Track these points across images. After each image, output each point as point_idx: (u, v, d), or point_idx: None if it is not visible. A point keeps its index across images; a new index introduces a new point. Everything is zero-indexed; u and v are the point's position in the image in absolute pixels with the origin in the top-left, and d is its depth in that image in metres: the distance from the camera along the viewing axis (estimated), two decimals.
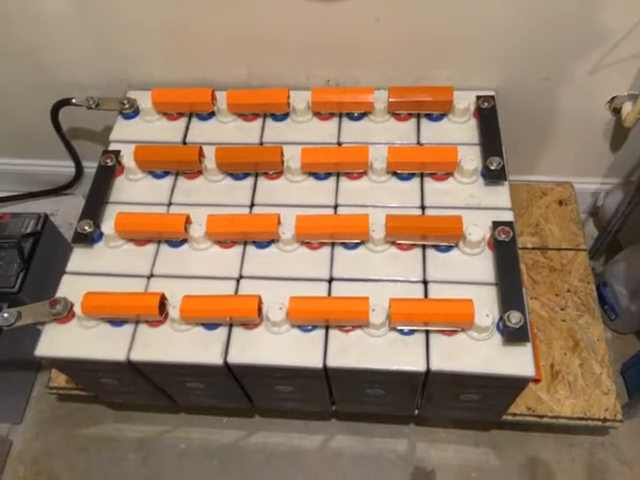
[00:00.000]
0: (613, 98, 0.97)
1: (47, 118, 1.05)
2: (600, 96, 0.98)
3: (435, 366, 0.72)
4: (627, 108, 0.95)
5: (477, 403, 0.83)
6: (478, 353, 0.72)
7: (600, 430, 1.01)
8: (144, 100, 0.95)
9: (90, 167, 1.22)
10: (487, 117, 0.90)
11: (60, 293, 0.80)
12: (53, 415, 1.11)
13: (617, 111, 0.99)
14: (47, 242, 1.10)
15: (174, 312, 0.75)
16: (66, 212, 1.32)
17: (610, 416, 0.92)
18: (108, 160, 0.89)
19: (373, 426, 1.06)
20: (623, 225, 1.09)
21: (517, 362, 0.71)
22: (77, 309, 0.77)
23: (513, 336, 0.71)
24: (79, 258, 0.84)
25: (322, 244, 0.82)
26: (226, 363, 0.75)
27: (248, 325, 0.76)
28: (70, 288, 0.80)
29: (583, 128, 1.05)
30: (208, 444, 1.07)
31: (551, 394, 0.94)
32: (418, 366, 0.72)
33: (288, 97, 0.92)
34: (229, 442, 1.07)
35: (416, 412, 0.94)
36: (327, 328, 0.76)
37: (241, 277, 0.80)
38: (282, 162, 0.87)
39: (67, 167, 1.24)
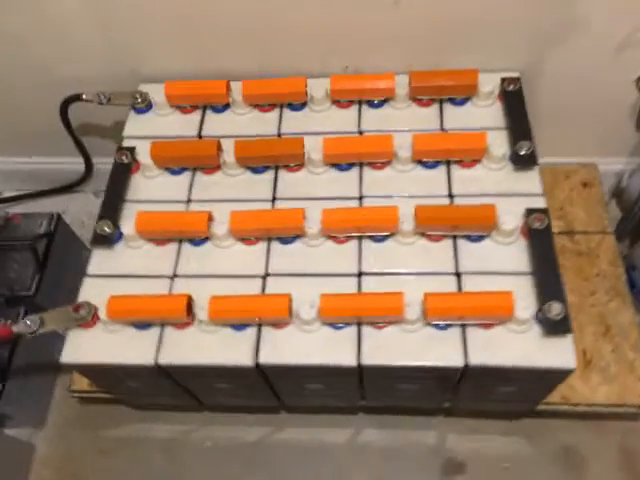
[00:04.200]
0: None
1: (54, 114, 1.01)
2: (627, 73, 0.94)
3: (474, 361, 0.70)
4: None
5: (513, 395, 0.82)
6: (517, 346, 0.70)
7: (634, 416, 0.99)
8: (156, 93, 0.92)
9: (99, 163, 1.19)
10: (513, 100, 0.87)
11: (82, 297, 0.77)
12: (76, 418, 1.09)
13: None
14: (61, 242, 1.08)
15: (202, 314, 0.72)
16: (77, 209, 1.30)
17: None
18: (124, 157, 0.86)
19: (401, 418, 1.04)
20: None
21: (558, 354, 0.69)
22: (101, 313, 0.75)
23: (554, 328, 0.69)
24: (99, 260, 0.81)
25: (349, 237, 0.79)
26: (257, 364, 0.73)
27: (278, 324, 0.74)
28: (92, 291, 0.78)
29: (609, 107, 1.01)
30: (234, 442, 1.05)
31: (584, 381, 0.92)
32: (456, 361, 0.70)
33: (305, 86, 0.89)
34: (255, 439, 1.06)
35: (447, 404, 0.93)
36: (359, 325, 0.74)
37: (267, 274, 0.78)
38: (304, 154, 0.84)
39: (76, 164, 1.20)
